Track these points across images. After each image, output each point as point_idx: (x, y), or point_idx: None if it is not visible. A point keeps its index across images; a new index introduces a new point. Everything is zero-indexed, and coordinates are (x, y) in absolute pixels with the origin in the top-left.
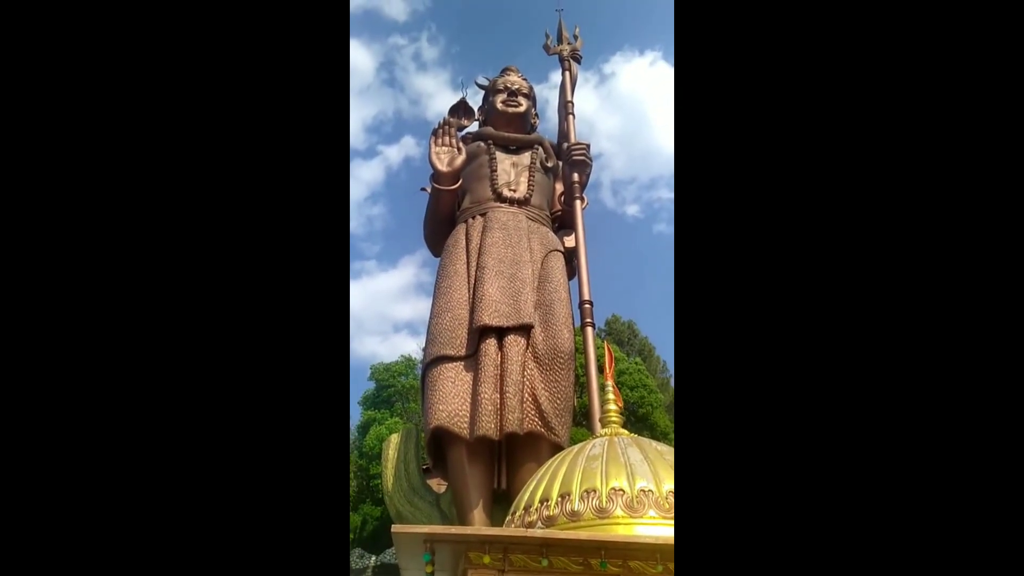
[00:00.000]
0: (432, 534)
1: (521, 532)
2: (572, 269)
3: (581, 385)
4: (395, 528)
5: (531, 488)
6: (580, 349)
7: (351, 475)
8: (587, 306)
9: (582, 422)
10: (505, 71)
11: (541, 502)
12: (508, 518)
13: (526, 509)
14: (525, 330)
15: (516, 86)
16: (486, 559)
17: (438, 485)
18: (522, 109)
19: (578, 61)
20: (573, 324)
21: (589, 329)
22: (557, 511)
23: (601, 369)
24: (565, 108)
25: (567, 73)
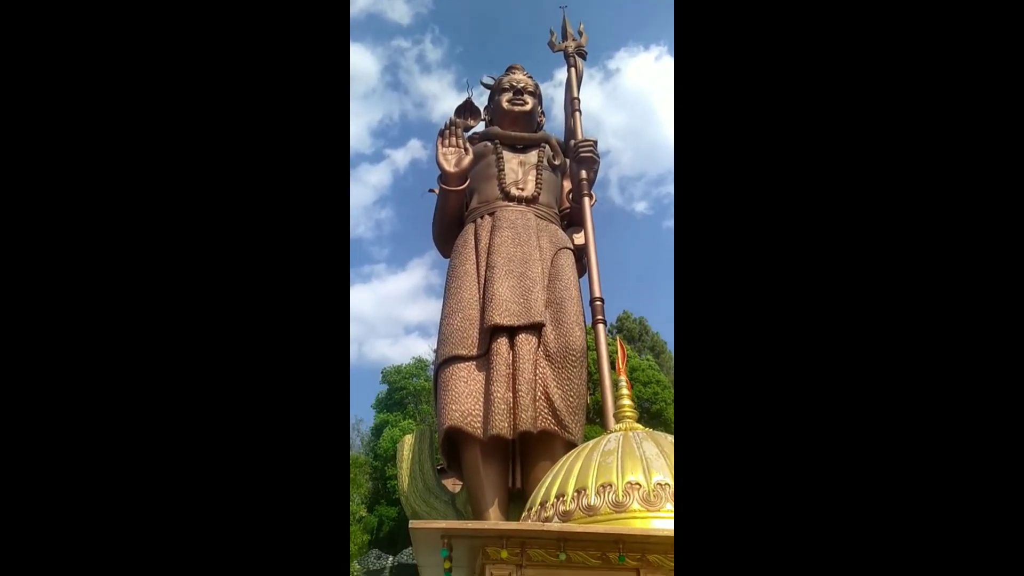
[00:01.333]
0: (449, 529)
1: (538, 526)
2: (582, 267)
3: (594, 383)
4: (412, 524)
5: (547, 484)
6: (592, 347)
7: (366, 477)
8: (598, 303)
9: (595, 419)
10: (510, 70)
11: (557, 497)
12: (524, 514)
13: (542, 505)
14: (536, 329)
15: (522, 84)
16: (504, 554)
17: (453, 485)
18: (528, 107)
19: (583, 57)
20: (584, 322)
21: (600, 326)
22: (573, 506)
23: (613, 365)
24: (571, 105)
25: (572, 70)
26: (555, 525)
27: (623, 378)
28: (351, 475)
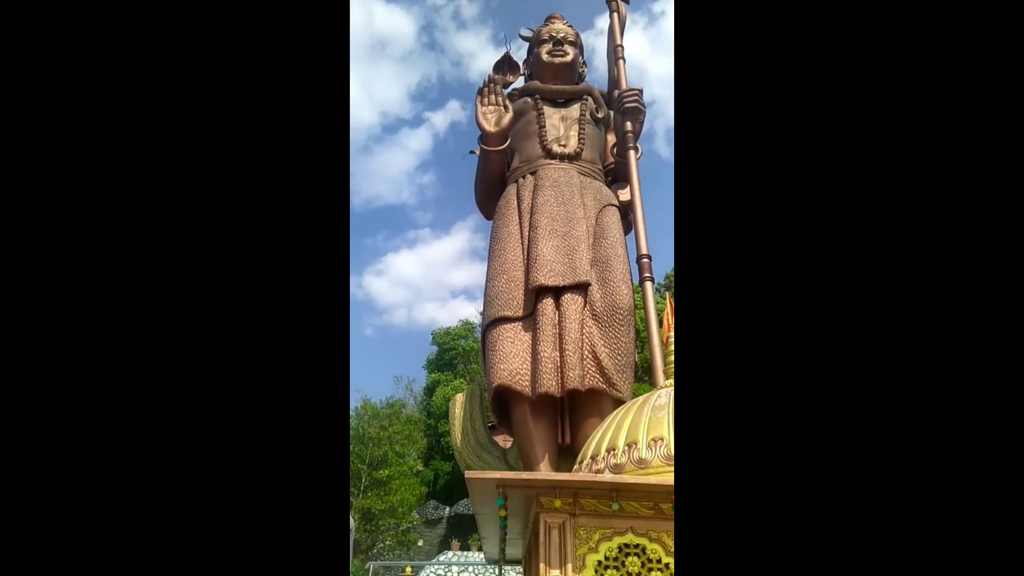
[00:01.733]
0: (504, 479)
1: (592, 477)
2: (628, 223)
3: (642, 341)
4: (469, 474)
5: (597, 438)
6: (639, 305)
7: (421, 434)
8: (645, 261)
9: (644, 378)
10: (549, 19)
11: (608, 451)
12: (576, 467)
13: (593, 458)
14: (582, 288)
15: (561, 34)
16: (557, 503)
17: (504, 441)
18: (569, 58)
19: (627, 1)
20: (631, 279)
21: (648, 284)
22: (624, 459)
23: (662, 323)
24: (614, 53)
25: (615, 15)
26: (608, 476)
27: (672, 334)
28: (407, 432)
